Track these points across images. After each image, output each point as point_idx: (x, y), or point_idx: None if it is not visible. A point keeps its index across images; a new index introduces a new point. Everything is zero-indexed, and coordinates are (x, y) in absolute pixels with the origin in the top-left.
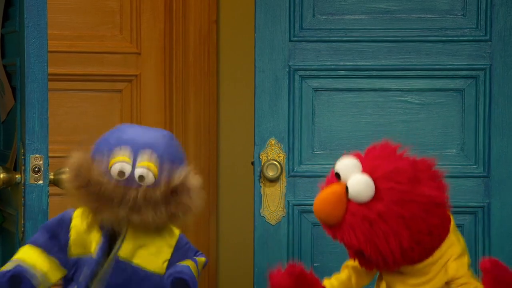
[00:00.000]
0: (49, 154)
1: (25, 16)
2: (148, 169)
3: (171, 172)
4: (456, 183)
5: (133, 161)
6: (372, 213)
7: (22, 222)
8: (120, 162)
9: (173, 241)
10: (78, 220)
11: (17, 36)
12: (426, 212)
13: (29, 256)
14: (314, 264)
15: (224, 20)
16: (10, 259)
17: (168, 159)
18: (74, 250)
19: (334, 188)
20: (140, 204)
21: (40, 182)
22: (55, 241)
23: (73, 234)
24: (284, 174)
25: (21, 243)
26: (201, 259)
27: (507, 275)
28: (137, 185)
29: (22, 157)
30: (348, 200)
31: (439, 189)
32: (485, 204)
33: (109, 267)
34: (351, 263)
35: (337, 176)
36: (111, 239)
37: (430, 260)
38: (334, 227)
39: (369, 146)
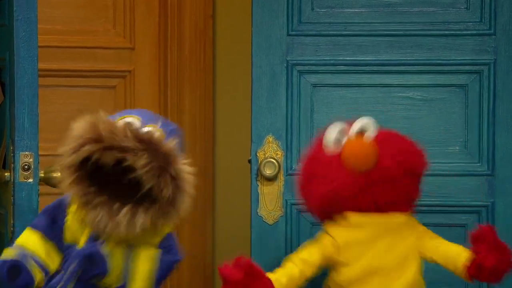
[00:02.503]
0: (40, 152)
1: (15, 9)
2: (156, 130)
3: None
4: (459, 182)
5: (141, 123)
6: None
7: (12, 221)
8: (129, 118)
9: (156, 240)
10: (75, 206)
11: (7, 30)
12: None
13: (30, 241)
14: None
15: (221, 15)
16: (13, 244)
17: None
18: (67, 235)
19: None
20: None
21: (30, 180)
22: (55, 225)
23: (69, 219)
24: (282, 172)
25: (11, 243)
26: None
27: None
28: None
29: (12, 155)
30: None
31: None
32: (489, 203)
33: None
34: (300, 255)
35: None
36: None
37: None
38: None
39: None
